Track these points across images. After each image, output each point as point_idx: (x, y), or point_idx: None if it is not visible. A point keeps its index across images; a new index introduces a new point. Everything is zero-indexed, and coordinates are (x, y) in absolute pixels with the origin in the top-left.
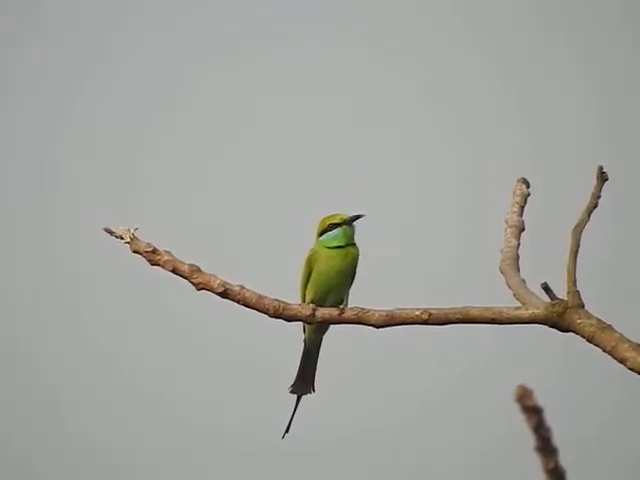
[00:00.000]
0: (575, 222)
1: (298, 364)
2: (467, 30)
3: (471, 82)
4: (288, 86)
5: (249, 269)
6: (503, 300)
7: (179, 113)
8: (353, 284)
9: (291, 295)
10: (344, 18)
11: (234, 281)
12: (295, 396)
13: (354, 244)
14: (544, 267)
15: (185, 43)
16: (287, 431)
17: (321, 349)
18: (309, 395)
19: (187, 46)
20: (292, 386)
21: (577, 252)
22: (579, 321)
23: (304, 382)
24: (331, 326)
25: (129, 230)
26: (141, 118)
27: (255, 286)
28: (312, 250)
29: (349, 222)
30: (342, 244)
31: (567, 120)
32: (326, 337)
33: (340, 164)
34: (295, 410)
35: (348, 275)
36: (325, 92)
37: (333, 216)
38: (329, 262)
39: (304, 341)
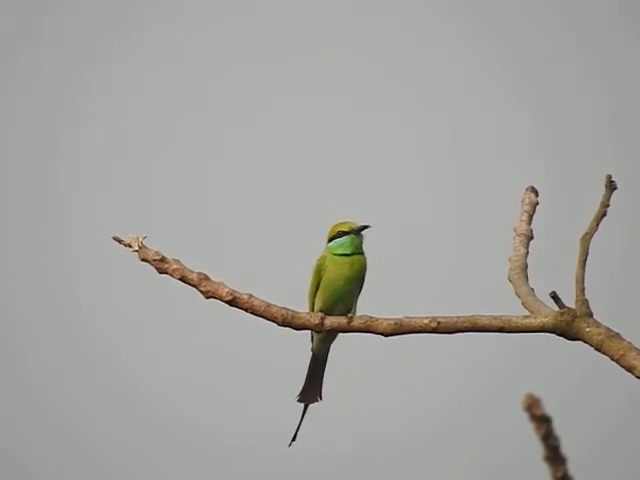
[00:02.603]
0: (584, 231)
1: (305, 373)
2: (474, 32)
3: (479, 90)
4: (289, 87)
5: (257, 277)
6: (512, 309)
7: (179, 114)
8: (362, 292)
9: (299, 303)
10: (344, 18)
11: (242, 289)
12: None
13: (361, 253)
14: (553, 276)
15: (186, 44)
16: (294, 439)
17: (328, 357)
18: (316, 404)
19: (187, 47)
20: (299, 395)
21: (585, 261)
22: (587, 329)
23: (311, 391)
24: (339, 334)
25: (137, 238)
26: (143, 122)
27: (263, 294)
28: (321, 258)
29: (357, 231)
30: (348, 252)
31: (576, 129)
32: (333, 345)
33: (347, 169)
34: (302, 419)
35: (356, 283)
36: (326, 93)
37: (343, 224)
38: (337, 270)
39: (312, 350)
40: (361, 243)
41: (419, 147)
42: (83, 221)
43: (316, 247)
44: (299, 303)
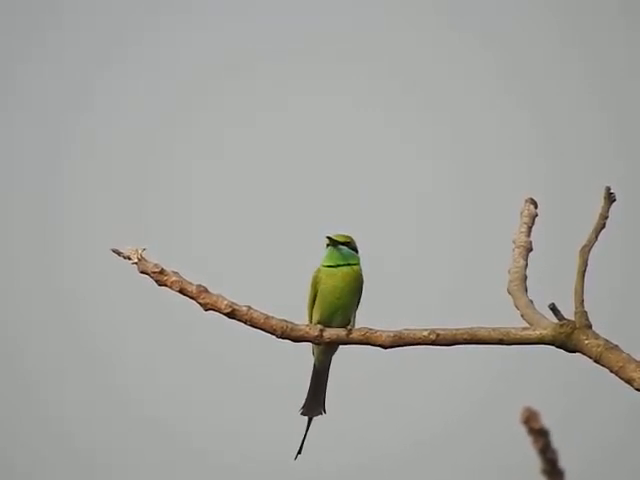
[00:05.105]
0: (583, 243)
1: (308, 385)
2: (474, 32)
3: (479, 91)
4: (289, 87)
5: (256, 277)
6: (511, 321)
7: (179, 114)
8: (361, 303)
9: (297, 314)
10: (344, 18)
11: (241, 300)
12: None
13: (350, 264)
14: (552, 288)
15: (186, 44)
16: (299, 452)
17: (330, 370)
18: (320, 416)
19: (187, 47)
20: (303, 408)
21: (585, 273)
22: (586, 341)
23: (314, 403)
24: (340, 347)
25: (137, 250)
26: (143, 122)
27: (262, 306)
28: (316, 270)
29: (333, 244)
30: (331, 264)
31: (575, 141)
32: (335, 357)
33: (347, 169)
34: (307, 432)
35: (352, 295)
36: (326, 93)
37: (333, 235)
38: (330, 282)
39: (314, 363)
40: (343, 255)
41: (419, 148)
42: (83, 221)
43: (314, 250)
44: (298, 304)
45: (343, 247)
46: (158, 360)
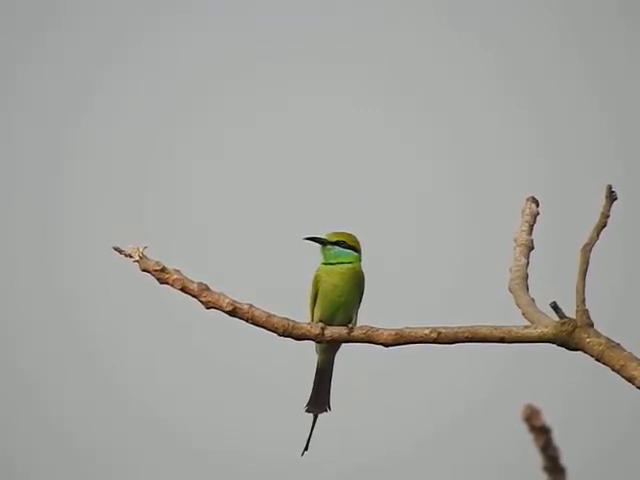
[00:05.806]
0: (584, 241)
1: (312, 383)
2: (474, 33)
3: (480, 98)
4: (289, 87)
5: (256, 277)
6: (512, 319)
7: (179, 114)
8: (363, 301)
9: (299, 313)
10: (344, 18)
11: (242, 298)
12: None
13: (343, 263)
14: (553, 286)
15: (186, 44)
16: (306, 449)
17: (334, 367)
18: (323, 415)
19: (187, 47)
20: (307, 405)
21: (586, 271)
22: (588, 340)
23: (319, 401)
24: (343, 345)
25: (138, 248)
26: (143, 122)
27: (263, 304)
28: (317, 269)
29: (321, 243)
30: (331, 261)
31: (577, 139)
32: (340, 356)
33: (347, 169)
34: (312, 429)
35: (351, 293)
36: (326, 93)
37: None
38: (330, 280)
39: (317, 361)
40: (333, 254)
41: (419, 148)
42: (83, 221)
43: (314, 249)
44: (299, 303)
45: (333, 247)
46: (158, 360)
